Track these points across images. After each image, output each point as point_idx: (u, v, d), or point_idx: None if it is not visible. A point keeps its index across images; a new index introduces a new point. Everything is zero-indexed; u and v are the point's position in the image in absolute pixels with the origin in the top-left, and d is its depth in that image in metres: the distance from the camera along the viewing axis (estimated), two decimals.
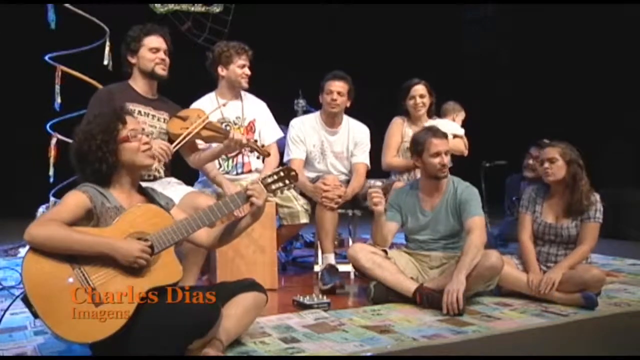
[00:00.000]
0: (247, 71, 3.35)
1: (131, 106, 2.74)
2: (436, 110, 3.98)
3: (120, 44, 3.00)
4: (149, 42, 2.88)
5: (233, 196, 2.10)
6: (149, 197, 2.15)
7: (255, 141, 3.11)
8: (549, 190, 3.03)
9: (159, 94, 3.02)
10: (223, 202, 2.09)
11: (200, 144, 3.08)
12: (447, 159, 2.93)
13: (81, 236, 1.87)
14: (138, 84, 2.93)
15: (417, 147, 2.98)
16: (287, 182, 2.16)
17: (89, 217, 1.95)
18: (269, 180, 2.15)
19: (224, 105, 3.28)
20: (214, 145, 3.02)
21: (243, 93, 3.46)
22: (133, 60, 2.90)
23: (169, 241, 1.97)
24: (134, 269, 1.90)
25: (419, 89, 3.72)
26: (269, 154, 3.18)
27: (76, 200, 1.94)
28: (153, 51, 2.88)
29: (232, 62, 3.32)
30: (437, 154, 2.91)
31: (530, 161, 4.14)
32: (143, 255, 1.89)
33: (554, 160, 2.93)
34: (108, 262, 1.88)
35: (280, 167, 2.25)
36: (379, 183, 2.97)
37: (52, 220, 1.86)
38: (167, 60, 2.94)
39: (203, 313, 1.89)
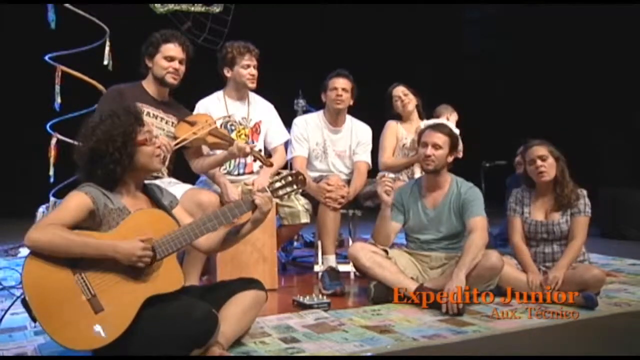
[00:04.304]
0: (253, 71, 3.30)
1: (141, 107, 2.74)
2: (428, 113, 4.01)
3: (121, 44, 3.01)
4: (165, 49, 2.91)
5: (239, 202, 2.04)
6: (153, 196, 2.12)
7: (260, 151, 3.11)
8: (534, 190, 3.03)
9: (171, 98, 3.05)
10: (228, 208, 2.02)
11: (206, 149, 3.08)
12: (431, 151, 2.93)
13: (82, 239, 1.84)
14: (150, 86, 2.97)
15: (418, 138, 3.09)
16: (295, 186, 2.06)
17: (92, 218, 1.92)
18: (277, 185, 2.05)
19: (228, 117, 3.29)
20: (218, 152, 3.03)
21: (251, 94, 3.45)
22: (149, 64, 2.94)
23: (171, 248, 1.94)
24: (135, 276, 1.88)
25: (400, 89, 3.85)
26: (271, 165, 3.16)
27: (78, 201, 1.91)
28: (168, 59, 2.91)
29: (236, 64, 3.29)
30: (425, 145, 2.98)
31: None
32: (145, 253, 1.86)
33: (545, 158, 2.93)
34: (110, 267, 1.86)
35: (288, 172, 2.13)
36: (392, 175, 3.03)
37: (52, 225, 1.83)
38: (182, 69, 2.95)
39: (202, 324, 1.85)
